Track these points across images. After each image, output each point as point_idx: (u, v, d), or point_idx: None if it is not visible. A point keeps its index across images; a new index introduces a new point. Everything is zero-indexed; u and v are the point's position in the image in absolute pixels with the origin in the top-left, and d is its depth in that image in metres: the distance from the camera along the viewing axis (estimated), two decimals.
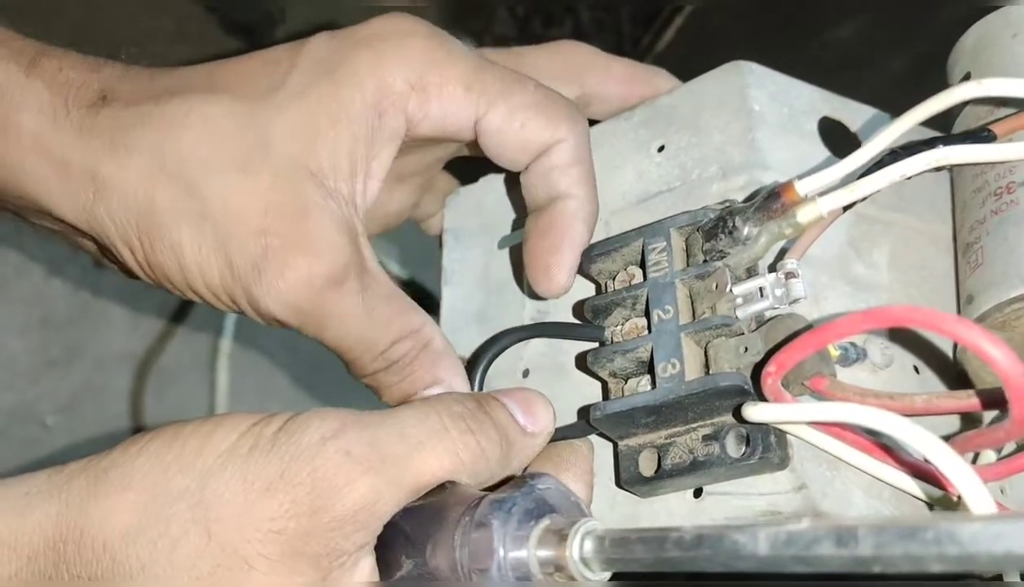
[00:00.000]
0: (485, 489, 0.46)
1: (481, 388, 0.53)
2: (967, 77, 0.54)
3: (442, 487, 0.45)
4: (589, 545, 0.41)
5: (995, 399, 0.40)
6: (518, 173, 0.55)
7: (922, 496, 0.47)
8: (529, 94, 0.52)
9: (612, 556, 0.40)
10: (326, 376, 1.12)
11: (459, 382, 0.52)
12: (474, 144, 0.54)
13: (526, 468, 0.50)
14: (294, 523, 0.42)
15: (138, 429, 1.07)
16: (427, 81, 0.51)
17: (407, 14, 0.52)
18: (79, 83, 0.50)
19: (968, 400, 0.43)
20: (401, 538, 0.44)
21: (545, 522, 0.42)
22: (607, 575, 0.41)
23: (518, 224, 0.60)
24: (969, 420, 0.48)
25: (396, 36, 0.51)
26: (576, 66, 0.60)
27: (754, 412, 0.44)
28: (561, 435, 0.51)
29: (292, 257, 0.48)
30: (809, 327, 0.45)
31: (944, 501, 0.47)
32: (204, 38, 0.98)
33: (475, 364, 0.53)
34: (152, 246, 0.49)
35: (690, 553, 0.37)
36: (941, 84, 0.57)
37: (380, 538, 0.44)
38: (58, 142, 0.49)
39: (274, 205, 0.48)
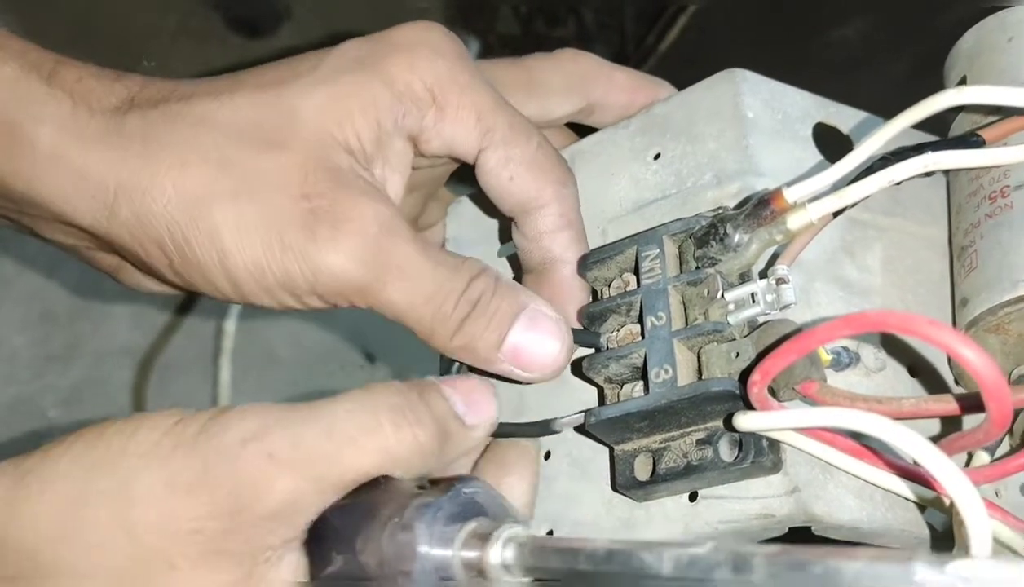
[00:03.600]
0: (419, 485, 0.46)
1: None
2: (963, 81, 0.54)
3: (376, 481, 0.44)
4: (511, 551, 0.41)
5: (980, 402, 0.40)
6: None
7: (914, 498, 0.47)
8: (529, 150, 0.53)
9: (530, 563, 0.41)
10: (329, 370, 1.12)
11: (543, 303, 0.52)
12: None
13: (475, 463, 0.50)
14: (213, 523, 0.42)
15: None
16: (447, 99, 0.52)
17: (438, 25, 0.53)
18: (102, 91, 0.50)
19: (956, 403, 0.43)
20: (332, 533, 0.44)
21: (471, 525, 0.43)
22: (527, 580, 0.42)
23: None
24: (957, 423, 0.48)
25: (429, 49, 0.52)
26: (580, 76, 0.61)
27: (744, 421, 0.45)
28: (511, 431, 0.52)
29: (343, 210, 0.48)
30: (799, 331, 0.45)
31: (936, 502, 0.47)
32: (207, 34, 0.99)
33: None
34: (186, 238, 0.48)
35: (600, 567, 0.38)
36: (943, 86, 0.57)
37: (312, 532, 0.44)
38: (79, 149, 0.49)
39: (312, 171, 0.48)
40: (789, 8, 0.87)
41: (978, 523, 0.37)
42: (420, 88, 0.51)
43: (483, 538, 0.42)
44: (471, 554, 0.42)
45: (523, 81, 0.60)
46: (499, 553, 0.41)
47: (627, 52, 0.97)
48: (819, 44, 0.89)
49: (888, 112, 0.55)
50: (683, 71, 0.60)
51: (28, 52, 0.51)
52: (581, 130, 0.62)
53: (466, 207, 0.64)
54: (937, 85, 0.56)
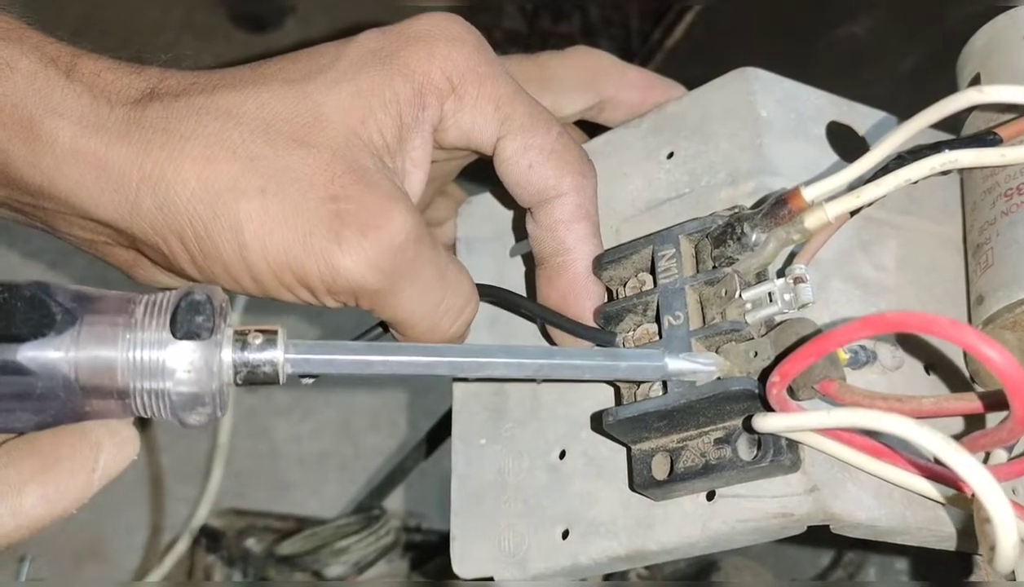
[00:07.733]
0: None
1: None
2: (977, 78, 0.54)
3: None
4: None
5: (1001, 400, 0.40)
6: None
7: (935, 496, 0.47)
8: (548, 139, 0.53)
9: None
10: None
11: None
12: None
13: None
14: None
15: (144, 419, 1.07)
16: (465, 89, 0.52)
17: (456, 16, 0.53)
18: (121, 84, 0.50)
19: (975, 402, 0.43)
20: None
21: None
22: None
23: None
24: (977, 422, 0.49)
25: (447, 38, 0.52)
26: (593, 73, 0.61)
27: (763, 423, 0.45)
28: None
29: (370, 216, 0.48)
30: (818, 331, 0.45)
31: (955, 500, 0.47)
32: (212, 29, 0.99)
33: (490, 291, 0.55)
34: (207, 231, 0.48)
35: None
36: (952, 83, 0.57)
37: None
38: (101, 142, 0.48)
39: (340, 173, 0.48)
40: (796, 5, 0.87)
41: (1005, 521, 0.37)
42: (439, 78, 0.51)
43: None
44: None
45: (536, 76, 0.60)
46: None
47: (632, 48, 0.97)
48: (826, 41, 0.89)
49: (896, 109, 0.55)
50: (689, 68, 0.61)
51: (45, 45, 0.50)
52: (591, 130, 0.62)
53: (477, 207, 0.64)
54: (944, 82, 0.56)
